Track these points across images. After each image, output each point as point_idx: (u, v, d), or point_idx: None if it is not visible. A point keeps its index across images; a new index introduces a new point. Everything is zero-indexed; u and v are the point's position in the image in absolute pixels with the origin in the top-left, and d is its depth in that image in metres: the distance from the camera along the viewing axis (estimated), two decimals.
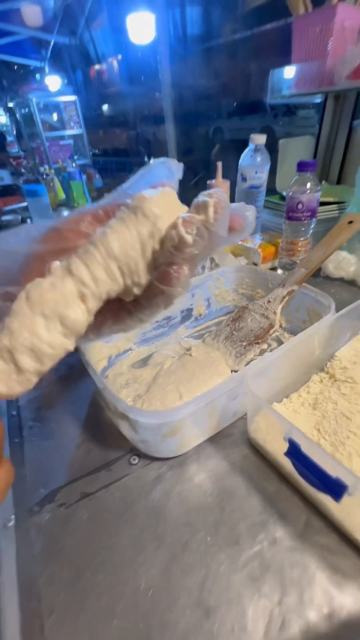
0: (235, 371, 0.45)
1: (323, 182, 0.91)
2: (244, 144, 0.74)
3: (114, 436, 0.39)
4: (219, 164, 0.70)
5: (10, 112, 3.34)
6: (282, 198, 0.89)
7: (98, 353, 0.47)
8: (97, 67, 3.40)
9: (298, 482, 0.32)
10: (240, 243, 0.76)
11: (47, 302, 0.15)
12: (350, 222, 0.50)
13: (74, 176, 1.37)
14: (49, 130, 2.91)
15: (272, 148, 0.78)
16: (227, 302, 0.61)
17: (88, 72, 3.48)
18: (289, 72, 0.70)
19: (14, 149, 3.33)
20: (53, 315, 0.15)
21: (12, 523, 0.31)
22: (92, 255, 0.16)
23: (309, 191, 0.62)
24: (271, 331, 0.48)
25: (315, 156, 0.92)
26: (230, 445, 0.37)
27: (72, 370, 0.50)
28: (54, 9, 2.55)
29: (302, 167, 0.61)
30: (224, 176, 0.75)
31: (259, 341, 0.47)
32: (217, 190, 0.18)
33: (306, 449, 0.28)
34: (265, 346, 0.51)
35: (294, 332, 0.53)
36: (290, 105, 2.19)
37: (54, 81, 3.07)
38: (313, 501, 0.31)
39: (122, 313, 0.20)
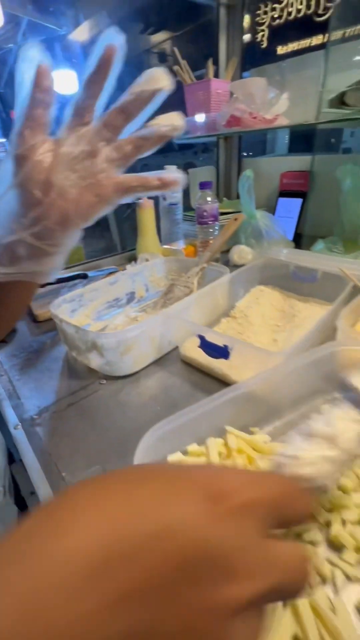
0: None
1: (224, 198, 1.19)
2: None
3: (85, 372, 0.53)
4: None
5: None
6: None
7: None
8: None
9: (210, 369, 0.50)
10: (168, 247, 0.97)
11: None
12: (235, 219, 0.74)
13: None
14: None
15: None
16: (161, 286, 0.80)
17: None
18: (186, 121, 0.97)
19: None
20: None
21: (19, 426, 0.44)
22: None
23: (209, 202, 0.86)
24: (191, 295, 0.67)
25: (217, 181, 1.20)
26: (169, 363, 0.55)
27: (43, 346, 0.64)
28: None
29: (202, 186, 0.85)
30: (150, 197, 0.96)
31: None
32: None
33: (208, 337, 0.46)
34: None
35: None
36: (206, 144, 2.60)
37: None
38: (217, 375, 0.49)
39: None
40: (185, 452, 0.34)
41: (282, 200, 1.02)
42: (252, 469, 0.33)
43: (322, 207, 0.94)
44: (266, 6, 1.33)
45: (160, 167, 0.97)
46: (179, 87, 0.97)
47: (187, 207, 1.07)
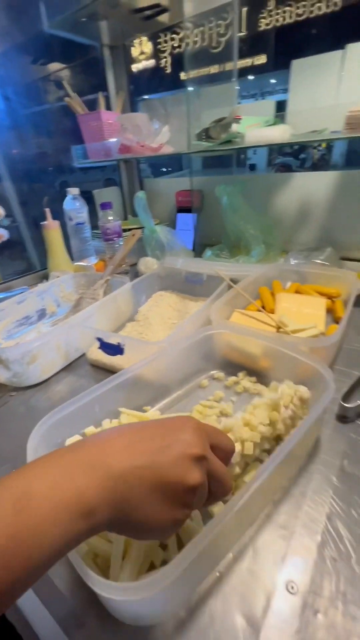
0: None
1: (130, 216, 1.29)
2: (88, 194, 1.02)
3: None
4: (47, 210, 0.95)
5: None
6: None
7: None
8: None
9: (113, 367, 0.57)
10: (80, 264, 1.02)
11: None
12: (133, 234, 0.83)
13: None
14: None
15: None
16: (72, 300, 0.85)
17: None
18: (83, 148, 1.05)
19: None
20: None
21: None
22: None
23: (111, 221, 0.94)
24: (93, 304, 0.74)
25: (123, 200, 1.30)
26: (77, 368, 0.60)
27: None
28: None
29: (102, 207, 0.93)
30: (60, 218, 1.01)
31: None
32: None
33: (105, 338, 0.53)
34: None
35: None
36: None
37: None
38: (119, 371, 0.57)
39: None
40: (83, 435, 0.40)
41: (179, 215, 1.15)
42: None
43: (211, 220, 1.10)
44: (166, 36, 1.49)
45: (81, 183, 1.02)
46: (74, 116, 1.05)
47: (97, 225, 1.14)
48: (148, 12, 0.86)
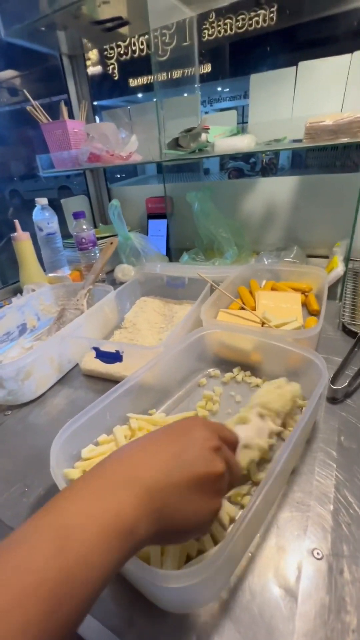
0: None
1: (100, 224, 1.29)
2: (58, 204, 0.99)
3: None
4: (16, 222, 0.92)
5: None
6: None
7: None
8: None
9: (110, 375, 0.57)
10: (53, 275, 1.00)
11: None
12: (111, 242, 0.83)
13: None
14: None
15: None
16: (53, 313, 0.83)
17: None
18: (49, 158, 1.03)
19: None
20: None
21: None
22: None
23: (85, 230, 0.93)
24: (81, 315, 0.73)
25: (91, 208, 1.29)
26: (72, 380, 0.60)
27: None
28: None
29: (75, 216, 0.92)
30: (25, 229, 0.97)
31: None
32: None
33: (102, 347, 0.54)
34: None
35: None
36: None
37: None
38: (117, 378, 0.57)
39: None
40: (96, 444, 0.41)
41: (151, 221, 1.17)
42: None
43: (183, 225, 1.13)
44: (111, 42, 1.49)
45: (33, 191, 0.99)
46: (38, 125, 1.03)
47: (67, 234, 1.12)
48: (109, 24, 0.87)
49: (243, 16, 1.08)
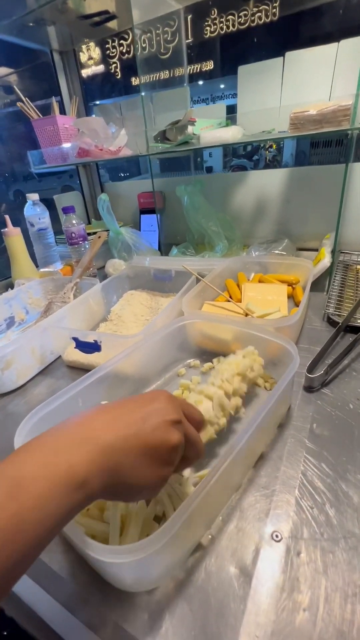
0: None
1: (93, 220, 1.29)
2: (47, 202, 1.00)
3: None
4: (7, 217, 0.93)
5: None
6: None
7: None
8: None
9: (91, 366, 0.58)
10: (45, 270, 1.01)
11: None
12: (99, 236, 0.84)
13: None
14: None
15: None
16: (42, 306, 0.83)
17: None
18: (40, 153, 1.03)
19: None
20: None
21: None
22: None
23: (75, 225, 0.94)
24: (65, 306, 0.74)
25: (85, 204, 1.29)
26: (54, 371, 0.60)
27: None
28: None
29: (65, 210, 0.93)
30: (19, 225, 0.98)
31: None
32: None
33: (81, 337, 0.54)
34: None
35: None
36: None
37: None
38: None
39: None
40: None
41: (143, 217, 1.17)
42: None
43: (174, 220, 1.13)
44: (114, 41, 1.50)
45: (37, 192, 1.00)
46: (29, 121, 1.03)
47: (61, 231, 1.13)
48: (96, 19, 0.88)
49: (245, 12, 1.07)
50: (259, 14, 1.03)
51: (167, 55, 1.06)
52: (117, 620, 0.26)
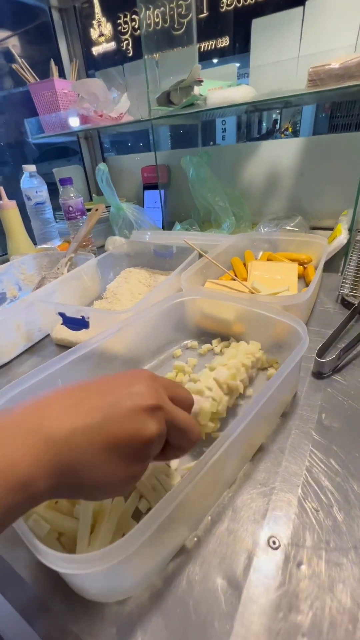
0: None
1: (94, 195, 1.23)
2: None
3: None
4: (1, 188, 0.88)
5: None
6: None
7: None
8: None
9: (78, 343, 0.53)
10: (43, 247, 0.96)
11: None
12: (96, 209, 0.78)
13: None
14: None
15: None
16: (34, 282, 0.79)
17: None
18: (38, 121, 0.97)
19: None
20: None
21: None
22: None
23: (73, 198, 0.88)
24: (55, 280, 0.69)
25: (86, 178, 1.23)
26: (42, 349, 0.56)
27: None
28: None
29: (62, 182, 0.87)
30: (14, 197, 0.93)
31: None
32: None
33: (69, 313, 0.50)
34: None
35: None
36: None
37: None
38: None
39: None
40: None
41: (147, 192, 1.11)
42: None
43: (180, 196, 1.06)
44: (125, 16, 1.41)
45: (46, 162, 0.95)
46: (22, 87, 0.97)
47: (57, 206, 1.07)
48: None
49: None
50: None
51: (180, 31, 0.96)
52: (79, 633, 0.22)
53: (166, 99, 0.78)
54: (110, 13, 1.14)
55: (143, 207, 1.12)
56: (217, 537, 0.27)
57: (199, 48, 0.96)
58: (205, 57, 1.01)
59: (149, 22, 0.98)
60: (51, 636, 0.22)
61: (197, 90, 0.73)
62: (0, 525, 0.16)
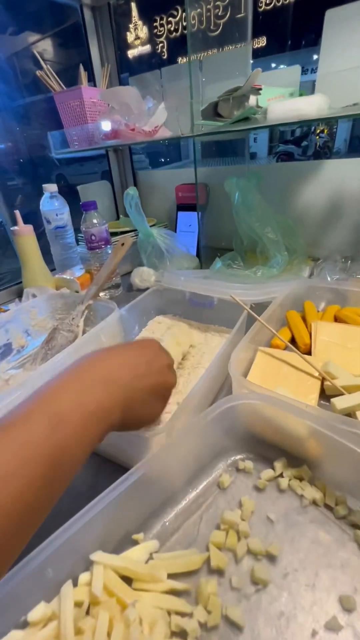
0: None
1: (121, 216, 1.10)
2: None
3: None
4: (17, 212, 0.77)
5: None
6: None
7: None
8: None
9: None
10: (61, 276, 0.84)
11: None
12: (122, 244, 0.65)
13: None
14: None
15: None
16: (48, 328, 0.67)
17: None
18: (62, 135, 0.85)
19: None
20: None
21: None
22: None
23: (97, 225, 0.75)
24: (75, 341, 0.56)
25: (114, 196, 1.11)
26: None
27: None
28: None
29: (84, 207, 0.75)
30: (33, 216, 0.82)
31: None
32: None
33: None
34: None
35: None
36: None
37: None
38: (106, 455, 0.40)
39: None
40: (24, 624, 0.23)
41: (181, 214, 0.97)
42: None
43: (219, 220, 0.91)
44: (162, 19, 1.31)
45: (79, 176, 0.84)
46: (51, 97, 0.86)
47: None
48: None
49: None
50: None
51: (217, 33, 0.82)
52: None
53: (213, 111, 0.64)
54: (147, 14, 1.02)
55: (175, 230, 0.99)
56: None
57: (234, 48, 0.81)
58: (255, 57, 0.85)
59: (193, 20, 0.84)
60: None
61: (253, 100, 0.58)
62: (92, 448, 0.24)
